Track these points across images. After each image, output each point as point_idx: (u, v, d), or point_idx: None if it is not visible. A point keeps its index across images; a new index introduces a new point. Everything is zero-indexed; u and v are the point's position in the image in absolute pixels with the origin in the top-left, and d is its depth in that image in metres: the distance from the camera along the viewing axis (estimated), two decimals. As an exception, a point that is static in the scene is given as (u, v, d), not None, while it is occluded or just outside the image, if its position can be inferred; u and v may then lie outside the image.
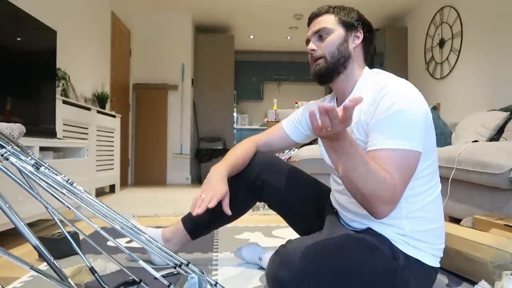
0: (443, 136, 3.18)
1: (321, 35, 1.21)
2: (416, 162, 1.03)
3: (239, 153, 1.40)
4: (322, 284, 1.01)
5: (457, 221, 2.07)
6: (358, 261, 1.04)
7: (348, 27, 1.21)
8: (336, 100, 1.27)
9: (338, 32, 1.21)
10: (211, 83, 6.41)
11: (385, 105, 1.04)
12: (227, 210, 1.26)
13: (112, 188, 4.38)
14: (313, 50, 1.22)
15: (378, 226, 1.13)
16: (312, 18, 1.27)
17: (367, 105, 1.11)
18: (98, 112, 3.84)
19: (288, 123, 1.46)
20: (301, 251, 1.01)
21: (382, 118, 1.04)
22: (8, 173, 0.78)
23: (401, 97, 1.04)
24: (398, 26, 6.17)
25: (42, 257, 0.81)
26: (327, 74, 1.21)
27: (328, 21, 1.22)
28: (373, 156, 1.01)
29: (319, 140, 1.34)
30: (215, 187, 1.26)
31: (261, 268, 1.51)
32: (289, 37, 7.06)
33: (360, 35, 1.22)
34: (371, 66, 1.25)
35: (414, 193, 1.11)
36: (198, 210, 1.21)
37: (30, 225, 0.93)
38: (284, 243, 1.06)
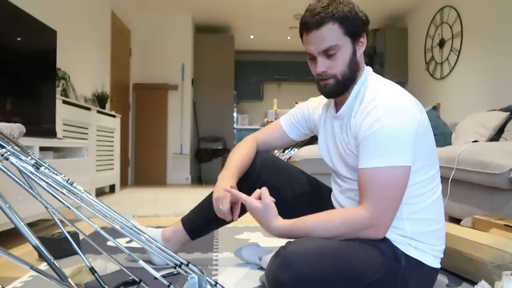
0: (443, 136, 3.18)
1: (329, 53, 1.11)
2: (404, 176, 1.05)
3: (241, 157, 1.39)
4: (323, 286, 1.01)
5: (457, 221, 2.07)
6: (359, 263, 1.04)
7: (355, 36, 1.13)
8: (335, 103, 1.26)
9: (347, 47, 1.12)
10: (211, 83, 6.40)
11: (370, 121, 1.06)
12: (235, 217, 1.28)
13: (112, 188, 4.38)
14: (324, 71, 1.13)
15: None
16: (312, 28, 1.11)
17: (356, 118, 1.12)
18: (98, 112, 3.84)
19: (286, 121, 1.45)
20: (302, 253, 1.01)
21: (367, 135, 1.06)
22: (8, 173, 0.78)
23: (387, 112, 1.05)
24: (398, 26, 6.17)
25: (42, 257, 0.81)
26: (339, 92, 1.18)
27: (335, 35, 1.10)
28: (359, 174, 1.08)
29: (319, 140, 1.34)
30: (222, 186, 1.27)
31: (261, 268, 1.51)
32: (289, 37, 7.06)
33: (364, 40, 1.16)
34: (370, 66, 1.24)
35: (414, 195, 1.11)
36: (228, 219, 1.27)
37: (30, 225, 0.93)
38: (284, 244, 1.06)
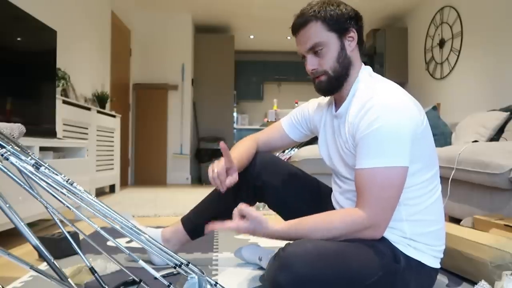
0: (443, 136, 3.18)
1: (316, 50, 1.15)
2: (401, 177, 1.05)
3: (240, 151, 1.39)
4: (322, 287, 1.00)
5: (457, 221, 2.07)
6: (358, 263, 1.04)
7: (341, 31, 1.14)
8: (335, 102, 1.26)
9: (333, 42, 1.14)
10: (211, 83, 6.40)
11: (368, 120, 1.06)
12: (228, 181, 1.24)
13: (112, 188, 4.38)
14: (314, 69, 1.17)
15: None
16: (298, 28, 1.18)
17: (353, 117, 1.12)
18: (98, 112, 3.84)
19: (287, 122, 1.46)
20: (301, 254, 1.00)
21: (365, 135, 1.06)
22: (8, 173, 0.78)
23: (385, 111, 1.04)
24: (398, 26, 6.17)
25: (42, 257, 0.81)
26: (333, 89, 1.19)
27: (318, 33, 1.14)
28: (357, 174, 1.08)
29: (319, 140, 1.34)
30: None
31: (261, 268, 1.51)
32: (289, 37, 7.05)
33: (354, 34, 1.16)
34: (370, 66, 1.24)
35: (413, 196, 1.11)
36: (223, 185, 1.24)
37: (30, 225, 0.93)
38: (283, 245, 1.06)
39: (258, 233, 1.14)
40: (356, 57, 1.19)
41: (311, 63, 1.17)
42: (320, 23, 1.14)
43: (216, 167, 1.24)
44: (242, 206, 1.14)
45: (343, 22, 1.14)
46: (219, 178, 1.23)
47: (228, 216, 1.36)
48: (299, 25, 1.17)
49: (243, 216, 1.14)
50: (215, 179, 1.23)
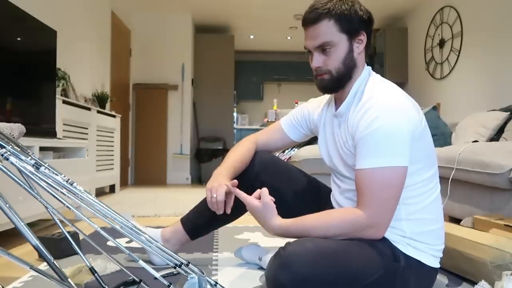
0: (443, 136, 3.18)
1: (324, 49, 1.14)
2: (401, 176, 1.05)
3: (238, 156, 1.39)
4: (322, 286, 1.01)
5: (457, 221, 2.07)
6: (358, 263, 1.04)
7: (351, 33, 1.13)
8: (335, 101, 1.26)
9: (342, 44, 1.13)
10: (211, 83, 6.40)
11: (367, 121, 1.06)
12: (228, 209, 1.25)
13: (112, 188, 4.38)
14: (319, 67, 1.16)
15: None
16: (308, 23, 1.15)
17: (353, 117, 1.13)
18: (98, 112, 3.84)
19: (287, 122, 1.45)
20: (301, 253, 1.01)
21: (364, 135, 1.06)
22: (8, 173, 0.78)
23: (384, 111, 1.05)
24: (398, 26, 6.17)
25: (42, 257, 0.81)
26: (334, 87, 1.19)
27: (329, 32, 1.12)
28: (357, 174, 1.08)
29: (319, 140, 1.34)
30: (218, 181, 1.25)
31: (261, 268, 1.51)
32: (289, 37, 7.06)
33: (364, 37, 1.16)
34: (371, 66, 1.24)
35: (412, 195, 1.11)
36: (220, 211, 1.24)
37: (30, 225, 0.93)
38: (283, 244, 1.07)
39: (261, 219, 1.17)
40: (361, 59, 1.19)
41: (317, 61, 1.16)
42: (332, 23, 1.12)
43: (216, 194, 1.22)
44: (264, 190, 1.18)
45: (356, 24, 1.13)
46: (217, 205, 1.22)
47: (227, 216, 1.37)
48: (310, 20, 1.14)
49: (260, 198, 1.18)
50: (213, 204, 1.23)
